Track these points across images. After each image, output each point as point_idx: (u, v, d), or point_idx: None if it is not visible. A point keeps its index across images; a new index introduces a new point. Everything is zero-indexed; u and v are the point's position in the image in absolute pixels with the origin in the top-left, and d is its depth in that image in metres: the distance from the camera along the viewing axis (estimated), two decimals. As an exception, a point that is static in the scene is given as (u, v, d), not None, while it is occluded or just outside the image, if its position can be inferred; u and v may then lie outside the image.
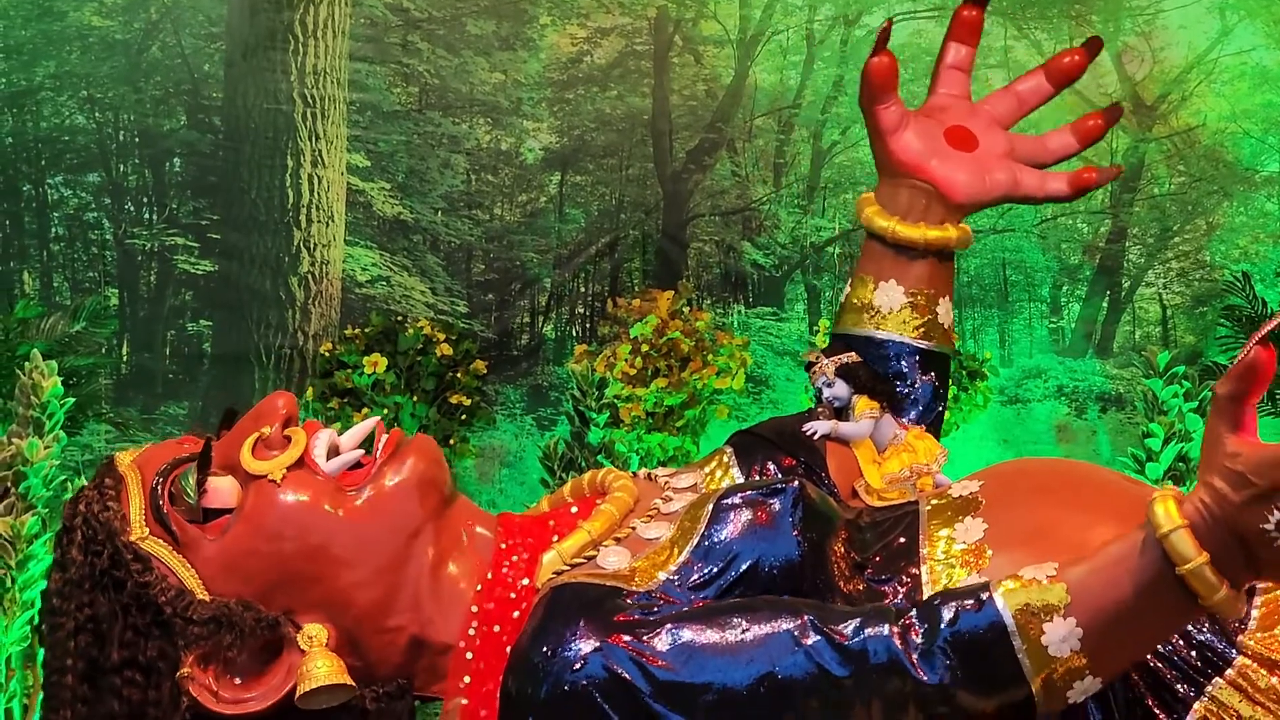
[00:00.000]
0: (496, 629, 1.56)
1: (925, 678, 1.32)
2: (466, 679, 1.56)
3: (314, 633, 1.57)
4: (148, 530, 1.56)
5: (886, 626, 1.35)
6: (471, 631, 1.58)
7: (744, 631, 1.37)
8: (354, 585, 1.57)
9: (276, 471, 1.55)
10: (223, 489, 1.56)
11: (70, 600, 1.55)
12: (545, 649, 1.41)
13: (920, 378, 1.87)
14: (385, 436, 1.63)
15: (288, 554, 1.55)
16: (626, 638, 1.38)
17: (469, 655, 1.57)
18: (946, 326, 1.89)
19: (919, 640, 1.33)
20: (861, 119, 1.84)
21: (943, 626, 1.33)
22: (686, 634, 1.38)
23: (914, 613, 1.36)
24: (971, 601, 1.33)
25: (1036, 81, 1.90)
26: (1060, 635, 1.30)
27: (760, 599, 1.45)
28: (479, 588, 1.60)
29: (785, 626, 1.36)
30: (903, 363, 1.86)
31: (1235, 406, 1.22)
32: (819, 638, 1.34)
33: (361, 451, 1.60)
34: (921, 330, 1.86)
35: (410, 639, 1.60)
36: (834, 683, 1.33)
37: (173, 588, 1.55)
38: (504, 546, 1.63)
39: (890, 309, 1.85)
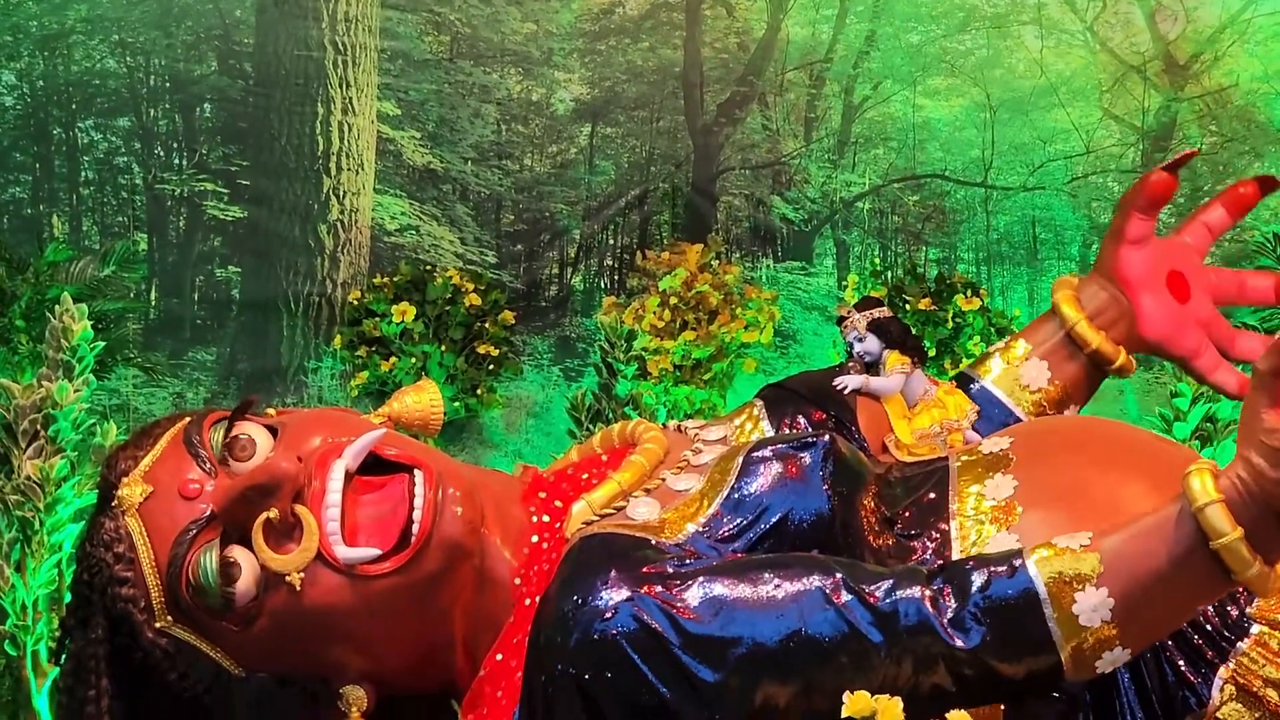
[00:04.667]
0: (528, 602, 1.56)
1: (957, 642, 1.32)
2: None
3: (354, 699, 1.58)
4: (171, 619, 1.54)
5: (918, 589, 1.34)
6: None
7: (775, 587, 1.36)
8: (387, 657, 1.58)
9: (294, 574, 1.50)
10: (244, 589, 1.52)
11: (101, 677, 1.54)
12: (575, 598, 1.39)
13: None
14: (420, 495, 1.54)
15: (318, 644, 1.55)
16: (658, 588, 1.37)
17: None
18: None
19: (950, 604, 1.33)
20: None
21: (974, 591, 1.33)
22: (718, 588, 1.37)
23: (943, 575, 1.36)
24: (1004, 568, 1.33)
25: (1218, 213, 1.90)
26: (1092, 605, 1.29)
27: (792, 555, 1.45)
28: (512, 616, 1.58)
29: (817, 583, 1.35)
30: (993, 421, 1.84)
31: (1275, 381, 1.21)
32: (850, 596, 1.34)
33: (376, 552, 1.51)
34: (1031, 414, 1.84)
35: (448, 664, 1.60)
36: (864, 642, 1.32)
37: (209, 672, 1.56)
38: (537, 540, 1.62)
39: (1026, 384, 1.84)
